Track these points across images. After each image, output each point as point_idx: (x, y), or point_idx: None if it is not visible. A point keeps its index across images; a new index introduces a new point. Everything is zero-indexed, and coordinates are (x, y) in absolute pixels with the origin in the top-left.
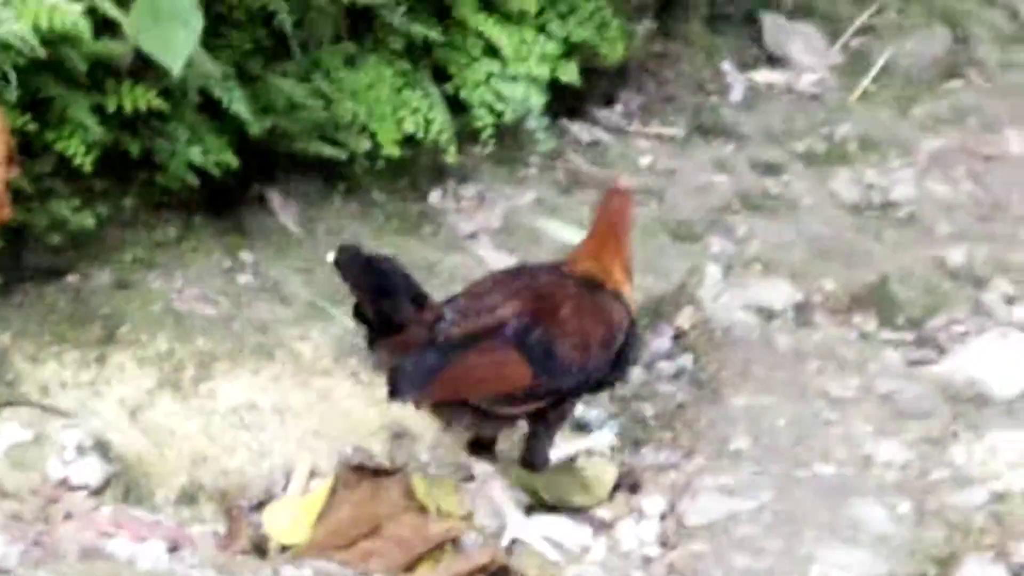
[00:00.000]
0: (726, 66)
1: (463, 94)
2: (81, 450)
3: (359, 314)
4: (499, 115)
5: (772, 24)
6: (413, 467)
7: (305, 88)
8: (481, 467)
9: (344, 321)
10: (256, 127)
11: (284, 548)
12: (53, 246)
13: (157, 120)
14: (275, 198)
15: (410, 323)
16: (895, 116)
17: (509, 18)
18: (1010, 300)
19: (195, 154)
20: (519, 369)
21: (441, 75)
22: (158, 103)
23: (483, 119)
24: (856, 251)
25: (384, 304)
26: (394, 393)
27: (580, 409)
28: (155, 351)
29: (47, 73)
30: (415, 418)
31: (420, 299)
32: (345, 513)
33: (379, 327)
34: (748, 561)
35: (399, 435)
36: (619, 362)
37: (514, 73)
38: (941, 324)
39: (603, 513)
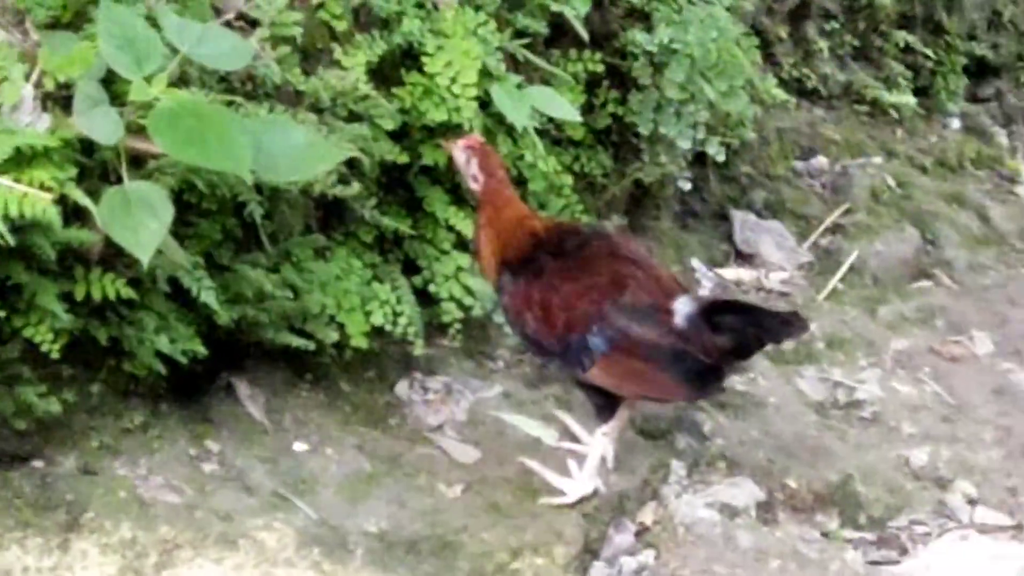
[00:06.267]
0: (695, 263)
1: (432, 287)
2: None
3: None
4: (467, 309)
5: (742, 221)
6: None
7: (274, 279)
8: None
9: (308, 512)
10: (224, 317)
11: None
12: (19, 431)
13: (126, 308)
14: (242, 387)
15: None
16: (863, 315)
17: None
18: (972, 502)
19: (163, 342)
20: None
21: (411, 267)
22: (127, 291)
23: (451, 313)
24: (820, 450)
25: None
26: None
27: None
28: (119, 538)
29: (16, 260)
30: None
31: None
32: None
33: None
34: None
35: None
36: None
37: None
38: (903, 524)
39: None
